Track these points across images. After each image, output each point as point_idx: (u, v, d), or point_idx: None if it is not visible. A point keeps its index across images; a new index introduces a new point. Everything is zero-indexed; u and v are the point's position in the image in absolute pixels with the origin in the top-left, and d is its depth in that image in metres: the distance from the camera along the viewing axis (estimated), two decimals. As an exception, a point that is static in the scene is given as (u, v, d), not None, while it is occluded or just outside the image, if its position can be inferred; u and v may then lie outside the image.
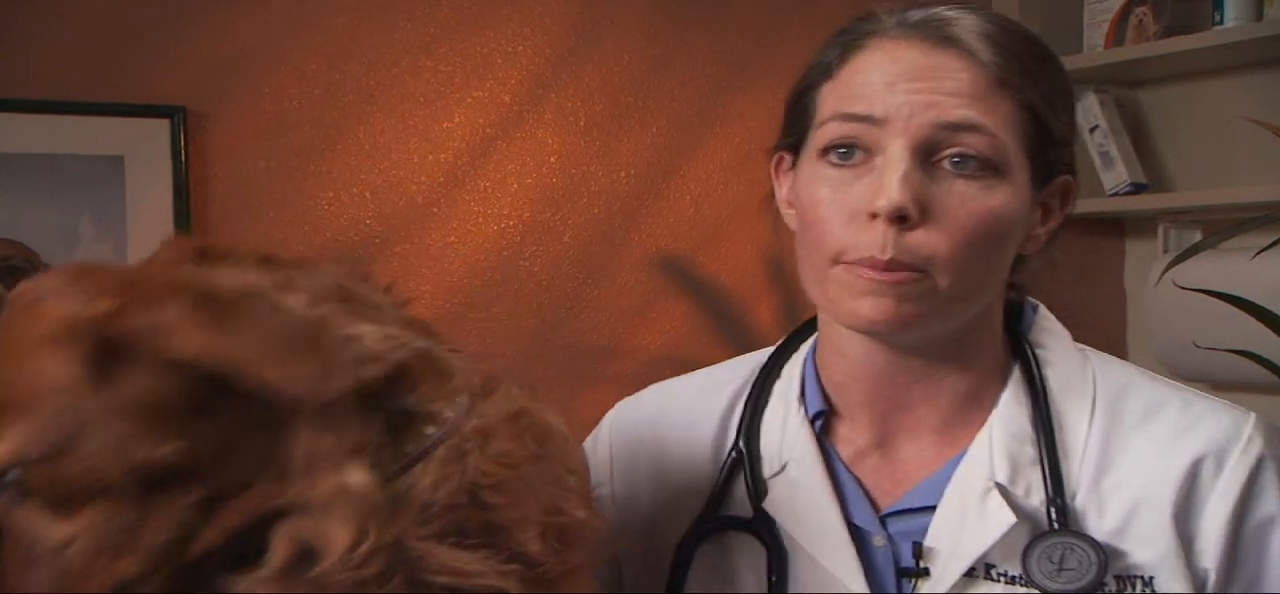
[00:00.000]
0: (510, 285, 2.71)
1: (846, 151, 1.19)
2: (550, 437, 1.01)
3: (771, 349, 1.37)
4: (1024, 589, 1.17)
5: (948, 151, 1.16)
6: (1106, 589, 1.15)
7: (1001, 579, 1.18)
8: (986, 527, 1.18)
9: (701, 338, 2.81)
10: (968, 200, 1.16)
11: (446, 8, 2.67)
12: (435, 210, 2.67)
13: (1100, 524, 1.18)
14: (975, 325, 1.24)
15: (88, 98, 2.39)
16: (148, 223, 2.42)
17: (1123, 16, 2.97)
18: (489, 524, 0.95)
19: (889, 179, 1.15)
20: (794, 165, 1.28)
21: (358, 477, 0.89)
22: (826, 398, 1.29)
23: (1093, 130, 3.01)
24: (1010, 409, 1.23)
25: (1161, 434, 1.21)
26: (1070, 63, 2.97)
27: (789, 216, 1.30)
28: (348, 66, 2.60)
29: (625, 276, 2.82)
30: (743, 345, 1.44)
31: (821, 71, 1.24)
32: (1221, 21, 2.78)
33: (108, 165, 2.40)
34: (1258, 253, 2.24)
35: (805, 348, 1.34)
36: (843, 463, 1.27)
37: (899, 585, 1.22)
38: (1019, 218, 1.20)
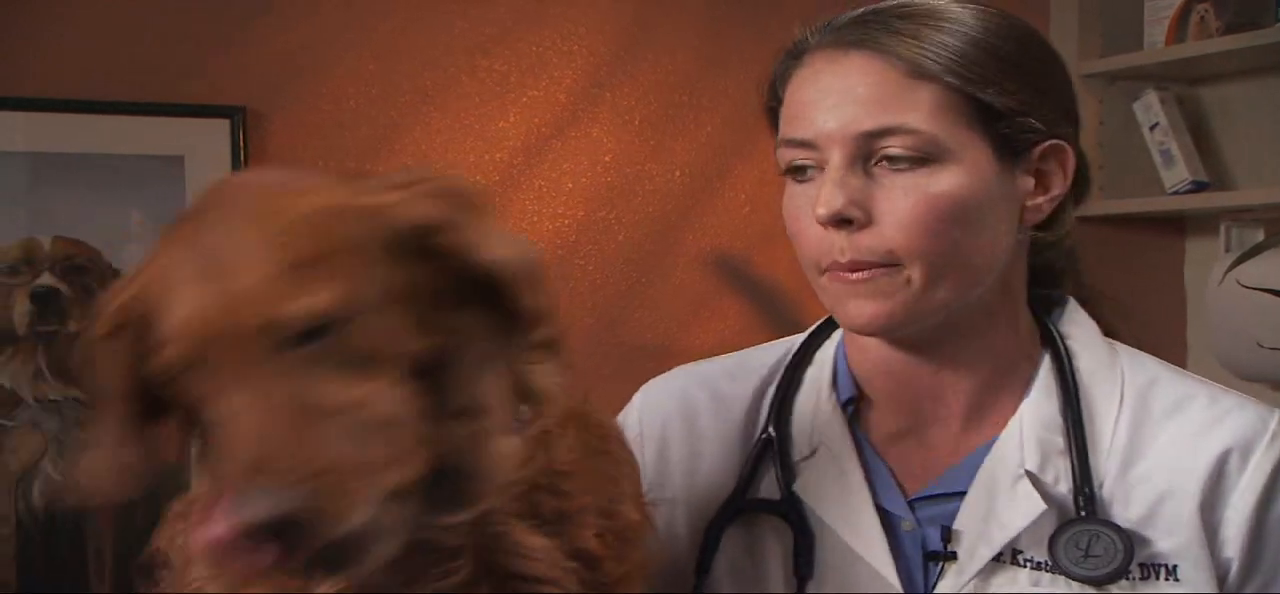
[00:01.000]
0: (565, 284, 2.72)
1: (800, 169, 1.24)
2: (609, 436, 1.07)
3: (802, 336, 1.40)
4: (1049, 575, 1.19)
5: (879, 154, 1.19)
6: (1131, 577, 1.18)
7: (1028, 565, 1.20)
8: (1015, 513, 1.20)
9: (756, 337, 2.80)
10: (910, 192, 1.18)
11: (502, 7, 2.68)
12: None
13: (1126, 513, 1.20)
14: (988, 312, 1.25)
15: (149, 98, 2.42)
16: (208, 222, 2.44)
17: (1184, 13, 2.93)
18: (559, 513, 0.98)
19: (826, 188, 1.19)
20: None
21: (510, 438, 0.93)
22: (857, 385, 1.32)
23: (1152, 128, 2.98)
24: (1040, 398, 1.25)
25: (1188, 427, 1.22)
26: (1130, 60, 2.95)
27: None
28: (404, 66, 2.62)
29: (679, 275, 2.82)
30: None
31: (773, 94, 1.32)
32: (1279, 19, 2.74)
33: (169, 165, 2.43)
34: (1322, 252, 2.21)
35: (837, 335, 1.36)
36: (873, 448, 1.29)
37: (926, 569, 1.24)
38: (982, 195, 1.20)
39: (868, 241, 1.18)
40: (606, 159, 2.77)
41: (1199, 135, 3.01)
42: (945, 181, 1.18)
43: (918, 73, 1.19)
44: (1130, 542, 1.17)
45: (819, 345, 1.37)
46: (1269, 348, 2.36)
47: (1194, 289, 3.10)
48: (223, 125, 2.46)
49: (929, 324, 1.23)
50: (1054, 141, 1.24)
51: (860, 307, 1.20)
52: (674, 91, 2.81)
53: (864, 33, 1.22)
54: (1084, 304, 1.32)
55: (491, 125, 2.68)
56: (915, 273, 1.19)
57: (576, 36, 2.74)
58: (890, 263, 1.18)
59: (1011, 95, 1.21)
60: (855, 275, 1.19)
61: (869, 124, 1.19)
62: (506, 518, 0.94)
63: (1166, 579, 1.18)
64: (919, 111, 1.18)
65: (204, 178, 2.42)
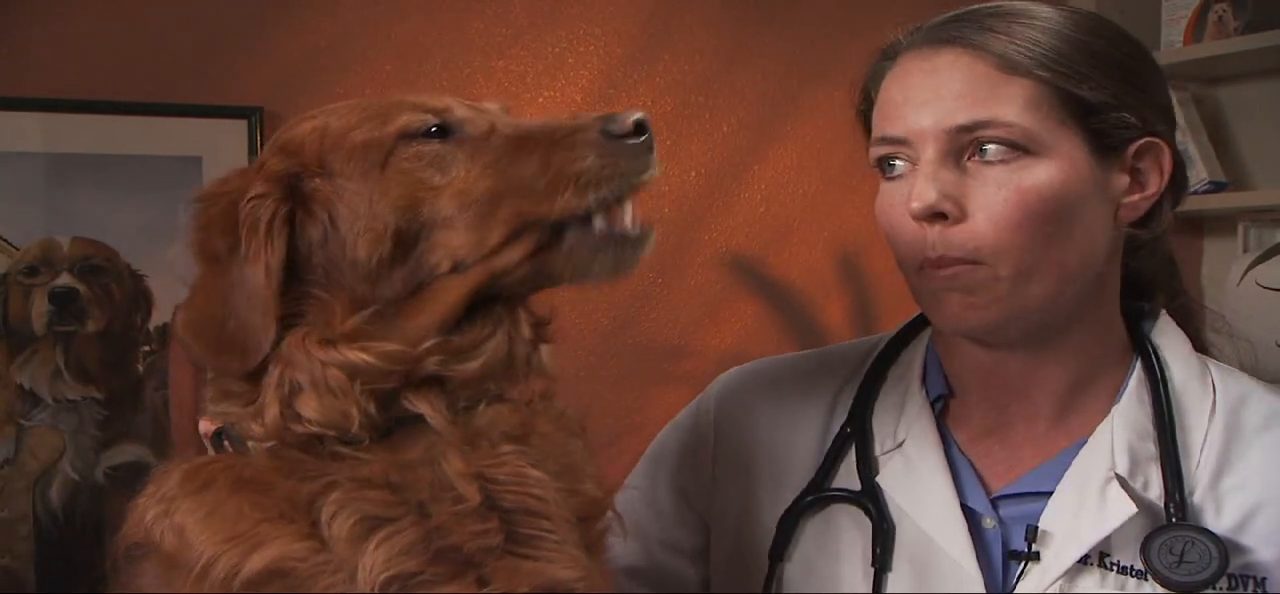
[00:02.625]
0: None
1: (892, 165, 1.24)
2: (576, 424, 1.12)
3: (887, 336, 1.40)
4: (1137, 580, 1.19)
5: (972, 148, 1.19)
6: (1219, 587, 1.17)
7: (1114, 569, 1.20)
8: (1106, 515, 1.20)
9: (772, 337, 2.81)
10: (1003, 185, 1.18)
11: (519, 8, 2.69)
12: (507, 210, 2.69)
13: (1217, 522, 1.19)
14: (1079, 315, 1.25)
15: (166, 99, 2.43)
16: (225, 222, 2.45)
17: (1202, 13, 2.93)
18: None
19: (919, 182, 1.20)
20: None
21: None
22: (947, 382, 1.32)
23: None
24: (1131, 403, 1.25)
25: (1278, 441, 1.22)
26: (1147, 60, 2.93)
27: None
28: (421, 67, 2.62)
29: (696, 276, 2.82)
30: (813, 345, 1.47)
31: (865, 98, 1.31)
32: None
33: (186, 166, 2.44)
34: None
35: (925, 334, 1.37)
36: (958, 445, 1.30)
37: (1007, 568, 1.24)
38: (1077, 190, 1.20)
39: (959, 237, 1.19)
40: (622, 159, 2.77)
41: (1217, 135, 3.00)
42: (1039, 175, 1.19)
43: (1009, 67, 1.19)
44: (1225, 549, 1.16)
45: (906, 343, 1.38)
46: (1287, 349, 2.35)
47: (1212, 289, 3.09)
48: (240, 125, 2.46)
49: (1024, 324, 1.22)
50: (1150, 139, 1.23)
51: (949, 304, 1.21)
52: (690, 92, 2.81)
53: (955, 30, 1.23)
54: (1178, 315, 1.33)
55: (508, 126, 2.68)
56: (1006, 271, 1.19)
57: (592, 38, 2.74)
58: (976, 261, 1.18)
59: (1104, 90, 1.21)
60: (945, 270, 1.19)
61: (962, 118, 1.19)
62: (512, 453, 1.03)
63: (1254, 590, 1.18)
64: (1012, 105, 1.19)
65: (221, 178, 2.43)
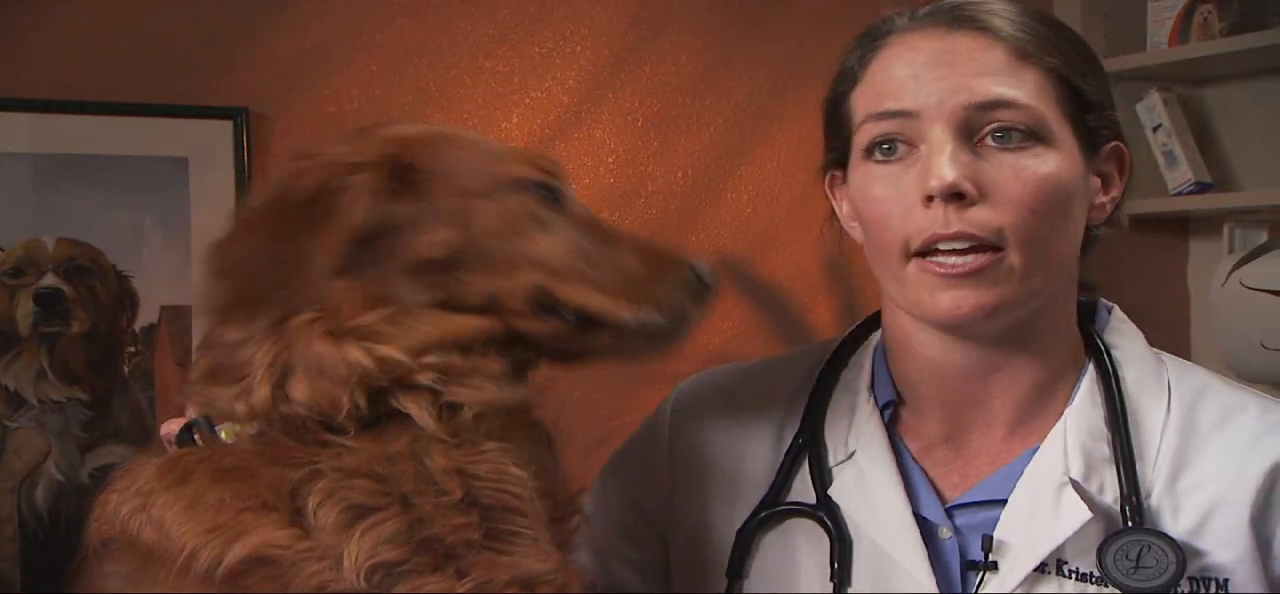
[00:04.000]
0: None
1: (889, 147, 1.20)
2: (548, 433, 1.15)
3: (837, 340, 1.37)
4: (1096, 587, 1.17)
5: (987, 129, 1.17)
6: (1181, 590, 1.15)
7: (1073, 576, 1.18)
8: (1060, 522, 1.18)
9: (759, 338, 2.81)
10: (1021, 171, 1.16)
11: (505, 9, 2.68)
12: (494, 211, 2.68)
13: (1175, 524, 1.17)
14: (1048, 314, 1.23)
15: (152, 100, 2.42)
16: (212, 223, 2.43)
17: (1187, 14, 2.93)
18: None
19: (937, 161, 1.16)
20: (845, 179, 1.29)
21: None
22: (896, 389, 1.29)
23: (1156, 129, 2.97)
24: (1085, 405, 1.23)
25: (1239, 438, 1.20)
26: (1133, 61, 2.94)
27: (854, 230, 1.31)
28: (407, 68, 2.62)
29: (683, 277, 2.82)
30: (801, 346, 1.45)
31: (847, 78, 1.28)
32: (1286, 18, 2.73)
33: (172, 166, 2.43)
34: (1326, 253, 2.21)
35: (874, 338, 1.34)
36: (910, 454, 1.27)
37: (966, 579, 1.22)
38: (1075, 185, 1.20)
39: (980, 216, 1.15)
40: (609, 160, 2.77)
41: (1202, 136, 3.01)
42: (1050, 163, 1.17)
43: (1023, 53, 1.18)
44: (1182, 552, 1.14)
45: (854, 350, 1.35)
46: (1273, 349, 2.35)
47: (1198, 290, 3.10)
48: (226, 126, 2.46)
49: (1014, 316, 1.20)
50: (1118, 143, 1.24)
51: (956, 297, 1.16)
52: (677, 93, 2.81)
53: (968, 13, 1.21)
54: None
55: (494, 127, 2.68)
56: (1017, 258, 1.16)
57: (579, 38, 2.74)
58: (996, 245, 1.15)
59: (1099, 88, 1.22)
60: (959, 263, 1.15)
61: (981, 95, 1.17)
62: (494, 451, 1.05)
63: (1217, 592, 1.16)
64: (1026, 88, 1.18)
65: (207, 179, 2.43)
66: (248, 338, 1.06)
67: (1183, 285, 3.15)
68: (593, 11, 2.75)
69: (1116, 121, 1.24)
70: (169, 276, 2.42)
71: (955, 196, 1.15)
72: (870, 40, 1.26)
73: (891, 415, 1.29)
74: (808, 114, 2.85)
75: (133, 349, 2.41)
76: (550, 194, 1.15)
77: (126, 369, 2.40)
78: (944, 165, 1.15)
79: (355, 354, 1.03)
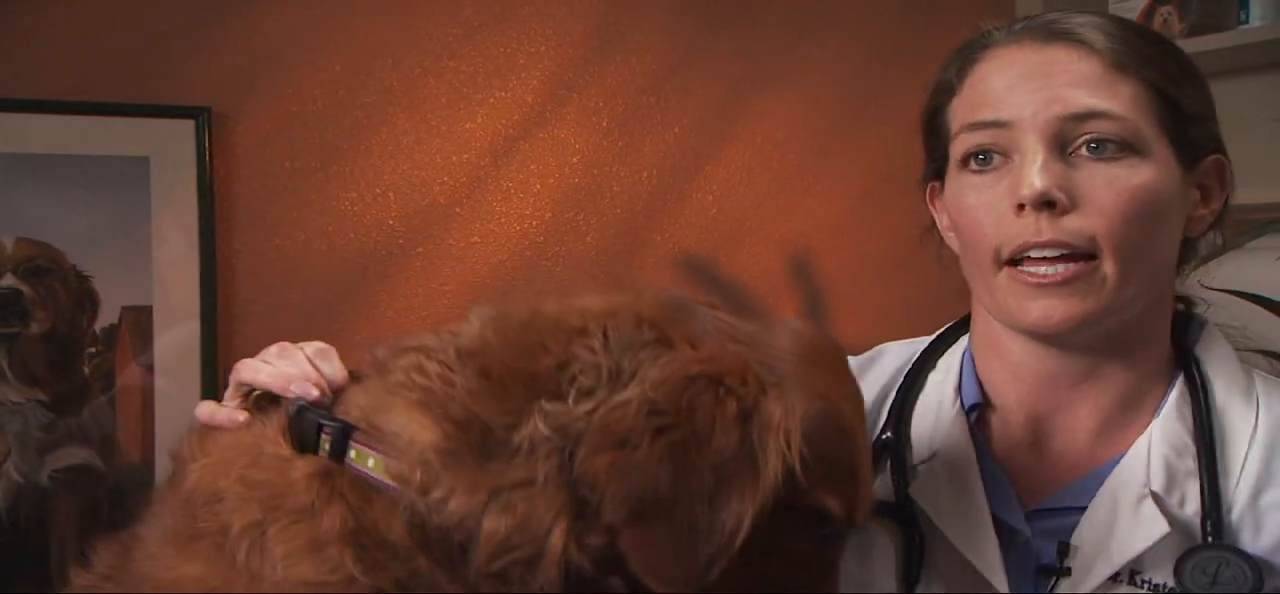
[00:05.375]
0: (532, 286, 2.71)
1: (984, 157, 1.21)
2: None
3: (926, 341, 1.38)
4: None
5: (1081, 140, 1.18)
6: None
7: (1146, 587, 1.18)
8: (1138, 533, 1.18)
9: (724, 338, 2.81)
10: (1113, 182, 1.17)
11: (469, 8, 2.68)
12: (458, 211, 2.68)
13: (1256, 541, 1.17)
14: (1141, 324, 1.24)
15: (113, 99, 2.40)
16: (173, 223, 2.43)
17: (1147, 16, 2.95)
18: None
19: (1028, 170, 1.17)
20: (943, 189, 1.30)
21: None
22: (983, 392, 1.30)
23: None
24: (1171, 419, 1.23)
25: None
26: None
27: (951, 240, 1.32)
28: (371, 67, 2.61)
29: (648, 277, 2.82)
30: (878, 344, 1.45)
31: (945, 90, 1.28)
32: (1247, 21, 2.76)
33: (133, 166, 2.41)
34: (1284, 253, 2.23)
35: (963, 341, 1.35)
36: (993, 457, 1.27)
37: (1037, 583, 1.22)
38: (1170, 196, 1.20)
39: (1073, 224, 1.16)
40: (574, 160, 2.77)
41: (1163, 138, 3.03)
42: (1144, 175, 1.18)
43: (1120, 66, 1.19)
44: (1260, 570, 1.14)
45: (944, 351, 1.36)
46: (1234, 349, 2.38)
47: (1158, 290, 3.12)
48: (188, 126, 2.44)
49: (1107, 326, 1.20)
50: (1220, 156, 1.25)
51: (1048, 306, 1.17)
52: (641, 93, 2.81)
53: (1064, 27, 1.21)
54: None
55: (458, 126, 2.67)
56: (1110, 268, 1.17)
57: (544, 38, 2.74)
58: (1089, 254, 1.16)
59: (1196, 101, 1.22)
60: (1051, 273, 1.16)
61: (1075, 106, 1.17)
62: None
63: None
64: (1121, 100, 1.18)
65: (169, 179, 2.41)
66: (520, 444, 0.92)
67: (1143, 285, 3.18)
68: (558, 11, 2.74)
69: (1217, 135, 1.25)
70: (129, 277, 2.40)
71: (1047, 205, 1.16)
72: (969, 53, 1.27)
73: (976, 418, 1.29)
74: (772, 115, 2.88)
75: (93, 350, 2.39)
76: (834, 531, 1.02)
77: (87, 370, 2.38)
78: (1035, 174, 1.16)
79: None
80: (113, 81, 2.41)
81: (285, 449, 0.98)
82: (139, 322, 2.41)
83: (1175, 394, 1.25)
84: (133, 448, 2.41)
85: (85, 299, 2.38)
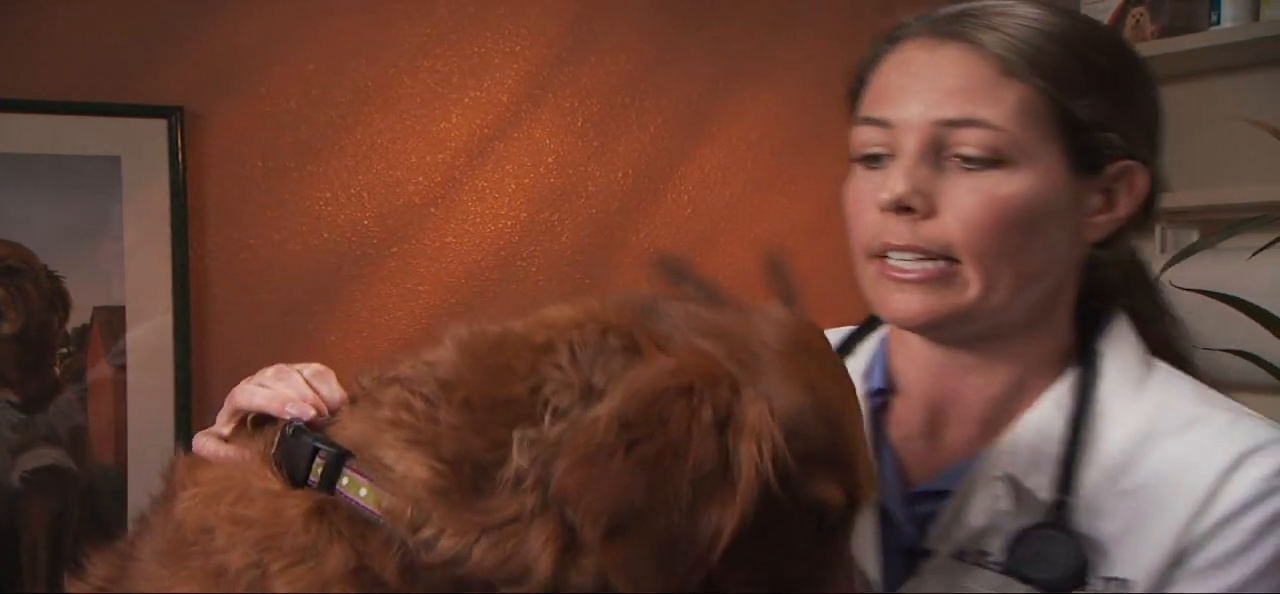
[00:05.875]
0: (508, 285, 2.71)
1: (871, 156, 1.23)
2: None
3: (852, 327, 1.40)
4: (1002, 577, 1.18)
5: (952, 149, 1.19)
6: (1093, 589, 1.16)
7: (995, 568, 1.19)
8: (979, 512, 1.20)
9: (699, 338, 2.81)
10: (977, 191, 1.18)
11: (444, 8, 2.67)
12: (433, 211, 2.67)
13: (1101, 525, 1.18)
14: (1032, 320, 1.24)
15: (85, 98, 2.39)
16: (145, 223, 2.41)
17: (1120, 16, 2.97)
18: None
19: (893, 174, 1.20)
20: None
21: None
22: (889, 379, 1.32)
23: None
24: (1048, 407, 1.24)
25: (1195, 446, 1.19)
26: (1067, 63, 2.97)
27: None
28: (345, 67, 2.60)
29: (623, 277, 2.82)
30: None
31: (858, 80, 1.29)
32: (1218, 22, 2.78)
33: (105, 165, 2.40)
34: (1255, 253, 2.25)
35: (884, 329, 1.36)
36: (889, 443, 1.30)
37: (899, 564, 1.24)
38: (1050, 204, 1.20)
39: (929, 231, 1.18)
40: (549, 160, 2.76)
41: (1135, 138, 3.05)
42: (1014, 185, 1.18)
43: (1008, 70, 1.19)
44: (1083, 550, 1.15)
45: (863, 338, 1.38)
46: (1201, 348, 2.39)
47: (1130, 290, 3.14)
48: (160, 125, 2.43)
49: (974, 327, 1.22)
50: (1129, 162, 1.23)
51: (906, 301, 1.20)
52: (616, 93, 2.81)
53: (962, 26, 1.22)
54: (1145, 320, 1.31)
55: (433, 126, 2.67)
56: (973, 276, 1.18)
57: (518, 38, 2.74)
58: (948, 258, 1.18)
59: (1097, 109, 1.21)
60: (910, 272, 1.19)
61: (950, 112, 1.18)
62: None
63: (1119, 592, 1.17)
64: (1001, 108, 1.18)
65: (141, 178, 2.40)
66: (511, 479, 0.92)
67: (1116, 285, 3.19)
68: (532, 11, 2.74)
69: (1123, 141, 1.23)
70: (101, 278, 2.39)
71: (905, 209, 1.18)
72: (883, 43, 1.28)
73: (882, 404, 1.31)
74: (746, 115, 2.89)
75: (64, 350, 2.37)
76: (836, 520, 1.00)
77: (58, 371, 2.37)
78: (897, 178, 1.19)
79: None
80: (84, 81, 2.39)
81: (273, 482, 0.98)
82: (111, 322, 2.40)
83: (1059, 387, 1.25)
84: (104, 449, 2.39)
85: (56, 299, 2.37)
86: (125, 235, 2.41)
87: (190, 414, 2.43)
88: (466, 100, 2.70)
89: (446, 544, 0.92)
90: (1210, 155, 2.95)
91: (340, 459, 0.97)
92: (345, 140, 2.60)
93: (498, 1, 2.72)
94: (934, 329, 1.22)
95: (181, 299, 2.43)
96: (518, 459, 0.92)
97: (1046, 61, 1.20)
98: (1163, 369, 1.28)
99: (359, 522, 0.94)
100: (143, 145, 2.42)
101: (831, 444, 0.99)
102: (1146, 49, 2.88)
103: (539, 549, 0.90)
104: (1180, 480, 1.18)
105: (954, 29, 1.22)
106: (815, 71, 2.90)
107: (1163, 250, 2.94)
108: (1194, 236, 2.90)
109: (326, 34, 2.58)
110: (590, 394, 0.93)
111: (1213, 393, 1.27)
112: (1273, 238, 2.23)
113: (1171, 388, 1.26)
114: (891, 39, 1.27)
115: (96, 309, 2.39)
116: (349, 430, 0.99)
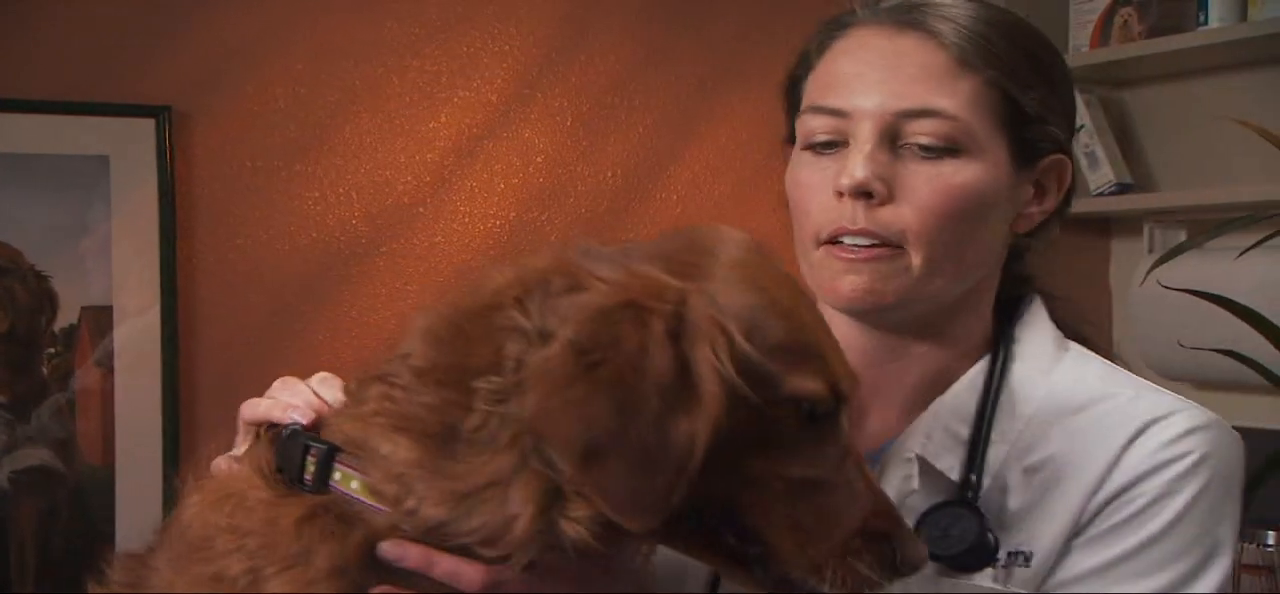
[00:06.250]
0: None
1: (824, 143, 1.23)
2: None
3: None
4: None
5: (909, 137, 1.20)
6: (999, 564, 1.17)
7: None
8: (893, 492, 1.20)
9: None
10: (933, 179, 1.20)
11: (433, 7, 2.67)
12: (422, 210, 2.67)
13: (1006, 501, 1.20)
14: (952, 310, 1.26)
15: (74, 98, 2.38)
16: (133, 222, 2.41)
17: (1108, 17, 2.98)
18: None
19: (853, 160, 1.20)
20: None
21: None
22: None
23: (1077, 130, 3.01)
24: (962, 391, 1.26)
25: (1098, 421, 1.21)
26: (1056, 63, 2.98)
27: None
28: (334, 66, 2.60)
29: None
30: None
31: (804, 63, 1.30)
32: (1206, 22, 2.78)
33: (94, 165, 2.40)
34: (1242, 252, 2.25)
35: None
36: None
37: None
38: (995, 195, 1.22)
39: (885, 217, 1.19)
40: (538, 160, 2.76)
41: (1123, 138, 3.05)
42: (967, 174, 1.20)
43: (964, 62, 1.21)
44: (987, 527, 1.17)
45: None
46: (1189, 348, 2.39)
47: (1119, 289, 3.14)
48: (148, 125, 2.42)
49: (911, 313, 1.23)
50: (1060, 155, 1.26)
51: (854, 281, 1.21)
52: (605, 93, 2.81)
53: (919, 16, 1.23)
54: (1055, 303, 1.33)
55: (422, 125, 2.67)
56: (917, 260, 1.20)
57: (507, 37, 2.73)
58: (897, 244, 1.19)
59: (1041, 102, 1.23)
60: (859, 253, 1.20)
61: (908, 102, 1.20)
62: None
63: (1023, 566, 1.18)
64: (958, 99, 1.20)
65: (129, 177, 2.40)
66: (488, 440, 0.94)
67: (1105, 284, 3.20)
68: (521, 11, 2.74)
69: (1060, 135, 1.26)
70: (89, 277, 2.38)
71: (865, 195, 1.19)
72: (831, 29, 1.28)
73: None
74: (735, 115, 2.89)
75: (52, 351, 2.37)
76: (826, 413, 1.00)
77: (46, 371, 2.37)
78: (858, 165, 1.19)
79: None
80: (72, 80, 2.39)
81: (266, 491, 1.02)
82: (99, 322, 2.39)
83: (973, 371, 1.27)
84: (92, 449, 2.39)
85: (44, 299, 2.36)
86: (113, 235, 2.40)
87: (178, 414, 2.42)
88: (455, 100, 2.69)
89: (430, 513, 0.95)
90: (1198, 155, 2.96)
91: (330, 455, 1.00)
92: (334, 140, 2.60)
93: (486, 1, 2.71)
94: (876, 311, 1.23)
95: (169, 299, 2.43)
96: (482, 407, 0.94)
97: (997, 54, 1.22)
98: (1075, 350, 1.30)
99: (351, 515, 0.98)
100: (131, 145, 2.41)
101: (795, 337, 1.00)
102: (1134, 49, 2.89)
103: (520, 507, 0.92)
104: (1084, 452, 1.19)
105: (911, 18, 1.23)
106: (804, 71, 2.90)
107: (1150, 250, 2.95)
108: (1181, 236, 2.91)
109: (315, 33, 2.58)
110: (546, 338, 0.94)
111: (1121, 371, 1.29)
112: (1260, 238, 2.24)
113: (1080, 368, 1.28)
114: (839, 25, 1.28)
115: (84, 309, 2.38)
116: (338, 429, 1.03)
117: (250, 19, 2.53)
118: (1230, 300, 2.17)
